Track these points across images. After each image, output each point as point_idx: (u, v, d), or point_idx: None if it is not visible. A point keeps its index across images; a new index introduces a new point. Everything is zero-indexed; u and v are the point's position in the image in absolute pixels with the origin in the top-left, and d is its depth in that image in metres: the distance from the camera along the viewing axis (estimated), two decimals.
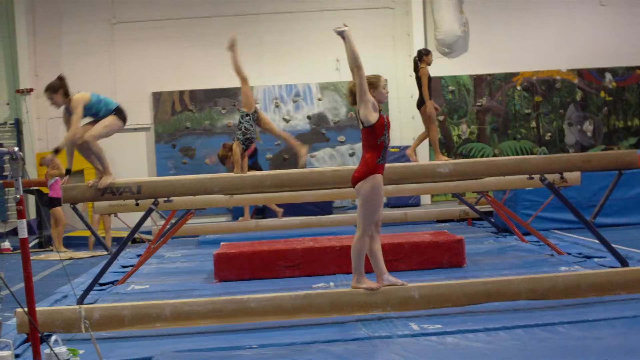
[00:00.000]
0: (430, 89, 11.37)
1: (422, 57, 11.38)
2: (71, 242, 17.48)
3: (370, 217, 7.43)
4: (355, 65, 7.37)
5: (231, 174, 9.96)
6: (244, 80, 11.00)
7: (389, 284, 7.56)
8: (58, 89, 9.48)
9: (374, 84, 7.52)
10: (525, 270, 10.22)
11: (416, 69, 11.47)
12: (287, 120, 21.04)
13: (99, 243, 15.26)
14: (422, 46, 20.50)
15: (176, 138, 20.93)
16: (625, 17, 21.44)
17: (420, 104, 11.42)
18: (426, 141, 20.75)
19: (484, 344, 6.51)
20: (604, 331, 6.66)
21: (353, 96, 7.50)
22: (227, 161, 13.94)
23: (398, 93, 20.83)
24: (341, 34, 7.43)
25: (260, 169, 15.60)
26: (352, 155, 20.87)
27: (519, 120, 21.39)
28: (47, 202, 16.34)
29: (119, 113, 9.68)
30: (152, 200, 9.78)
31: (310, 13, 20.90)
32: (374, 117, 7.38)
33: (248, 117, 10.87)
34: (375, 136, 7.41)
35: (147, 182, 9.54)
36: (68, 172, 9.44)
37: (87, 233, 16.59)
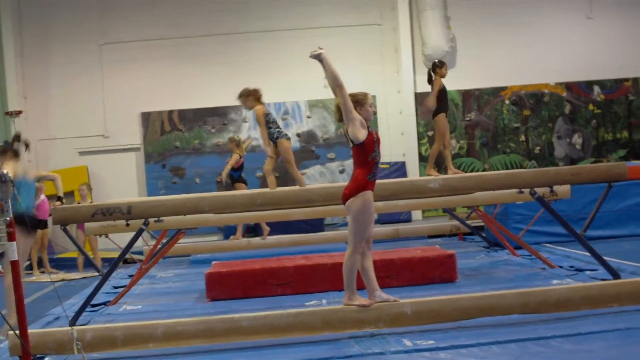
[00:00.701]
0: (445, 100, 11.37)
1: (436, 69, 11.39)
2: (62, 264, 17.45)
3: (361, 233, 7.42)
4: (336, 85, 7.36)
5: (222, 193, 9.95)
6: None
7: (381, 301, 7.56)
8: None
9: (361, 101, 7.51)
10: (517, 284, 10.24)
11: (430, 81, 11.47)
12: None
13: (90, 264, 15.22)
14: (410, 62, 20.63)
15: (166, 158, 20.91)
16: (612, 30, 21.51)
17: (434, 115, 11.44)
18: (413, 154, 20.85)
19: (477, 358, 6.52)
20: (596, 344, 6.67)
21: (340, 113, 7.50)
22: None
23: (387, 109, 20.86)
24: (317, 57, 7.38)
25: (245, 182, 15.62)
26: (342, 172, 20.87)
27: (508, 134, 21.42)
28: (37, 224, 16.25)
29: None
30: (143, 220, 9.78)
31: (299, 31, 20.90)
32: (362, 135, 7.38)
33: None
34: (365, 153, 7.41)
35: (137, 202, 9.56)
36: None
37: (76, 254, 16.57)
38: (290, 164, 10.61)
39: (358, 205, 7.37)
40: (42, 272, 16.21)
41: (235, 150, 15.70)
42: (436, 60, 11.69)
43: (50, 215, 17.33)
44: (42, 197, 15.78)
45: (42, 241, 16.29)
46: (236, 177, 15.73)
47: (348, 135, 7.48)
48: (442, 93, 11.28)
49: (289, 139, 10.68)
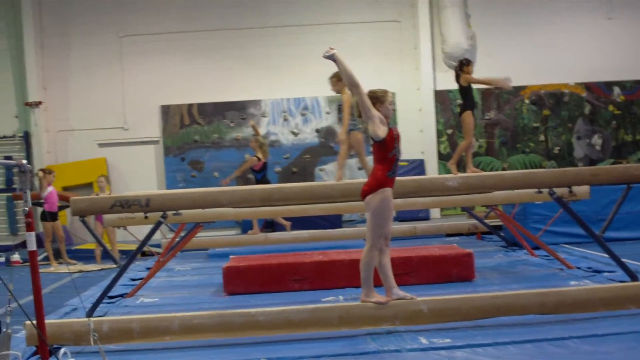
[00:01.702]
0: (472, 98, 11.36)
1: (463, 67, 11.37)
2: (80, 255, 17.50)
3: (379, 230, 7.42)
4: (352, 84, 7.36)
5: (240, 187, 9.97)
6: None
7: (398, 298, 7.55)
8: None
9: (380, 98, 7.50)
10: (534, 285, 10.21)
11: (457, 79, 11.45)
12: (295, 134, 21.05)
13: (108, 256, 15.26)
14: (429, 59, 20.61)
15: (185, 151, 20.94)
16: (633, 30, 21.41)
17: (461, 112, 11.43)
18: (432, 152, 20.82)
19: (493, 358, 6.50)
20: (613, 346, 6.65)
21: (360, 109, 7.49)
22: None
23: (406, 106, 20.83)
24: (331, 57, 7.38)
25: (268, 183, 15.61)
26: (360, 169, 20.80)
27: (527, 134, 21.36)
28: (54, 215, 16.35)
29: None
30: (161, 213, 9.79)
31: (318, 26, 20.91)
32: (383, 132, 7.38)
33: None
34: (386, 150, 7.40)
35: (156, 195, 9.57)
36: None
37: (94, 246, 16.62)
38: (361, 155, 10.84)
39: (377, 202, 7.37)
40: (60, 264, 16.25)
41: (257, 151, 15.69)
42: (463, 59, 11.66)
43: (64, 207, 17.47)
44: (50, 188, 15.76)
45: (55, 233, 16.26)
46: (259, 178, 15.75)
47: (368, 132, 7.47)
48: (469, 91, 11.27)
49: (362, 131, 10.70)
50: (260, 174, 15.65)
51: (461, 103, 11.52)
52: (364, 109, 7.35)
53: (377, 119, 7.37)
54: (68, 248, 18.14)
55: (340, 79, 10.28)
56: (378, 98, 7.49)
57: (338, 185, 9.61)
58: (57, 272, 15.19)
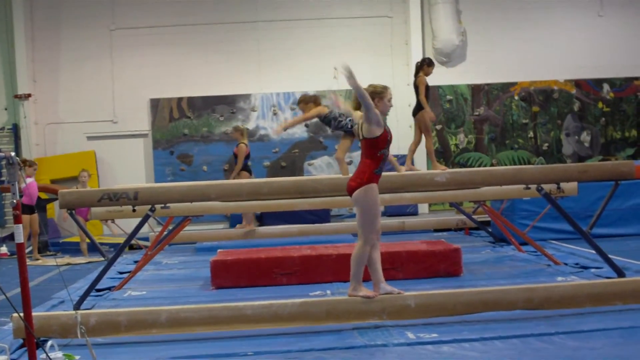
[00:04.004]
0: (427, 99, 11.35)
1: (423, 66, 11.36)
2: (67, 248, 17.47)
3: (370, 225, 7.44)
4: (363, 101, 7.40)
5: (229, 181, 9.96)
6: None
7: (385, 293, 7.57)
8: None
9: (380, 93, 7.58)
10: (521, 280, 10.23)
11: (415, 76, 11.46)
12: (285, 129, 21.01)
13: (96, 249, 15.21)
14: (420, 55, 20.52)
15: (174, 145, 20.92)
16: (623, 28, 21.48)
17: (416, 111, 11.41)
18: (421, 150, 20.80)
19: (479, 353, 6.52)
20: (599, 341, 6.67)
21: (358, 102, 7.54)
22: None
23: (396, 102, 20.67)
24: (351, 83, 7.33)
25: (250, 172, 15.55)
26: (349, 163, 20.83)
27: (516, 130, 21.40)
28: (43, 207, 16.24)
29: None
30: (149, 206, 9.78)
31: (309, 21, 20.91)
32: (378, 132, 7.42)
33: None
34: (376, 148, 7.44)
35: (144, 188, 9.55)
36: None
37: (78, 239, 16.58)
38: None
39: (366, 198, 7.39)
40: (37, 260, 15.97)
41: (240, 140, 15.66)
42: (426, 58, 11.67)
43: (52, 200, 17.39)
44: (29, 180, 15.51)
45: (31, 227, 15.94)
46: (246, 163, 15.70)
47: (361, 129, 7.49)
48: (426, 91, 11.29)
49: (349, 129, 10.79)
50: (245, 162, 15.62)
51: (417, 102, 11.45)
52: (367, 109, 7.37)
53: (375, 122, 7.41)
54: (55, 240, 18.12)
55: (307, 103, 10.68)
56: (378, 93, 7.56)
57: (326, 179, 9.62)
58: (44, 265, 15.15)
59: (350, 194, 7.52)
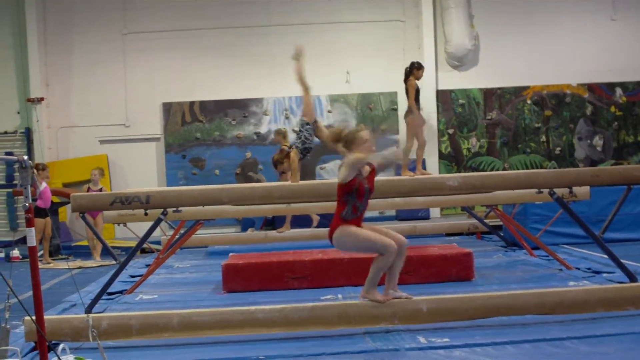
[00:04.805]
0: (417, 102, 11.36)
1: (413, 70, 11.39)
2: (79, 252, 17.50)
3: (373, 248, 7.32)
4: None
5: (241, 185, 9.98)
6: (306, 89, 11.06)
7: (394, 298, 7.54)
8: None
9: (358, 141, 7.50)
10: (533, 285, 10.21)
11: (405, 80, 11.48)
12: (297, 132, 21.02)
13: (108, 252, 15.23)
14: (432, 59, 20.54)
15: (186, 149, 20.94)
16: (636, 32, 21.41)
17: (407, 115, 11.43)
18: (432, 153, 20.77)
19: (491, 358, 6.50)
20: (611, 346, 6.65)
21: (344, 143, 7.49)
22: (279, 166, 13.68)
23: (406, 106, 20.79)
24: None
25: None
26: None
27: (528, 134, 21.36)
28: (55, 211, 16.26)
29: None
30: (161, 210, 9.79)
31: (321, 25, 20.91)
32: (354, 183, 7.37)
33: (309, 126, 10.92)
34: (351, 196, 7.39)
35: (156, 192, 9.57)
36: None
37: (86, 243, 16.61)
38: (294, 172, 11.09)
39: (344, 239, 7.40)
40: (48, 263, 16.02)
41: (282, 143, 15.64)
42: (415, 62, 11.67)
43: (64, 203, 17.42)
44: (44, 184, 15.57)
45: (44, 230, 16.03)
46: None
47: (338, 172, 7.45)
48: (416, 95, 11.30)
49: (298, 149, 10.95)
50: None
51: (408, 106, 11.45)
52: (351, 162, 7.33)
53: (355, 171, 7.39)
54: (67, 244, 18.15)
55: (284, 136, 11.07)
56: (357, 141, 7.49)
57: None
58: (56, 268, 15.18)
59: (330, 240, 7.53)
